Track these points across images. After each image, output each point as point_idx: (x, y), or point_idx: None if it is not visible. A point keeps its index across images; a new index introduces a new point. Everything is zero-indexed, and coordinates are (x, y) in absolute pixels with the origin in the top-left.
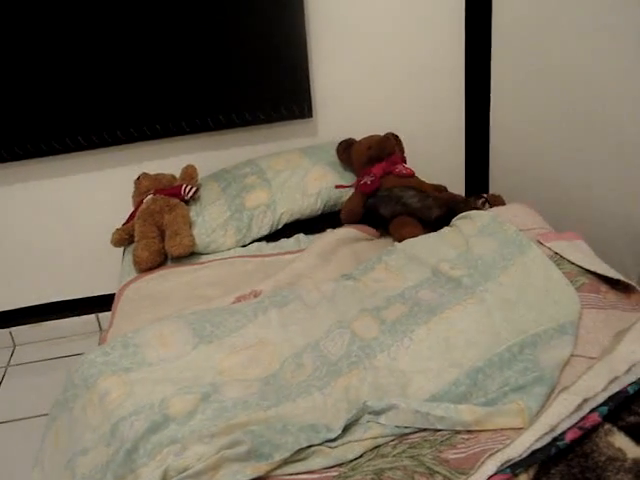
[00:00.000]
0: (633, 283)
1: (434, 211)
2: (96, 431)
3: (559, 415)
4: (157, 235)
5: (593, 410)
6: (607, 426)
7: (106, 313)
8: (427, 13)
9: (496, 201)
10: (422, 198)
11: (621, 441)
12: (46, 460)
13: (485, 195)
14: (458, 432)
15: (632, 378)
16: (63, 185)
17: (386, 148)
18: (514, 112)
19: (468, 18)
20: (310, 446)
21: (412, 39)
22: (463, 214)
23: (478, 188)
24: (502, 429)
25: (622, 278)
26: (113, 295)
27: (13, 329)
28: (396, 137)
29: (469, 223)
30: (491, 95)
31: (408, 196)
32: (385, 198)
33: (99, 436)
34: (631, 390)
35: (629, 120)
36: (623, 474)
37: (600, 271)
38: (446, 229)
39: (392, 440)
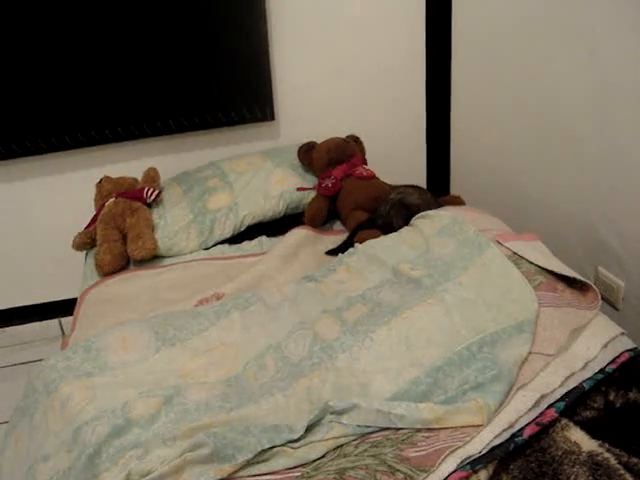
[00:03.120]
0: (589, 281)
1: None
2: (57, 437)
3: (517, 412)
4: (119, 239)
5: (550, 406)
6: (564, 421)
7: (69, 318)
8: (388, 16)
9: (456, 202)
10: (422, 193)
11: (577, 435)
12: (6, 468)
13: None
14: (419, 430)
15: (588, 374)
16: (24, 188)
17: (346, 151)
18: (474, 114)
19: (428, 21)
20: (273, 447)
21: (373, 42)
22: (422, 214)
23: (439, 189)
24: (462, 427)
25: (578, 277)
26: (75, 299)
27: None
28: (357, 139)
29: (429, 223)
30: (451, 97)
31: (408, 193)
32: (391, 209)
33: (60, 442)
34: (587, 386)
35: (585, 122)
36: (578, 467)
37: (557, 270)
38: (405, 229)
39: (354, 440)
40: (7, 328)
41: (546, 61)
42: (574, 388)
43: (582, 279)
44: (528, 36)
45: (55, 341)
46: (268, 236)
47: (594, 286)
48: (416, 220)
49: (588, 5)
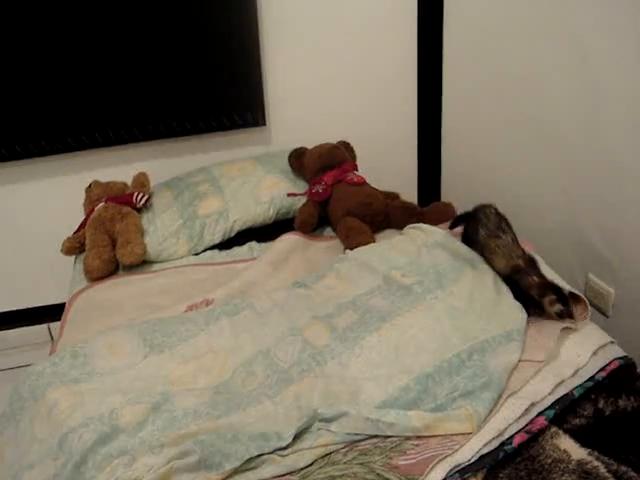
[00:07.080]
0: (580, 293)
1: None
2: (43, 444)
3: (507, 419)
4: (108, 244)
5: (540, 414)
6: (553, 429)
7: (57, 323)
8: (379, 21)
9: (446, 209)
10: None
11: (566, 443)
12: None
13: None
14: (408, 438)
15: (577, 382)
16: (13, 192)
17: (337, 156)
18: (466, 120)
19: (420, 26)
20: (261, 455)
21: (365, 47)
22: (415, 225)
23: (430, 195)
24: (451, 434)
25: (569, 287)
26: (64, 304)
27: None
28: (348, 145)
29: (421, 235)
30: (443, 103)
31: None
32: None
33: (46, 449)
34: (577, 393)
35: (577, 129)
36: (567, 475)
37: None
38: (398, 237)
39: (343, 447)
40: None
41: (539, 68)
42: (564, 396)
43: (573, 291)
44: (521, 43)
45: (43, 346)
46: (258, 242)
47: (584, 297)
48: (408, 229)
49: (581, 11)
